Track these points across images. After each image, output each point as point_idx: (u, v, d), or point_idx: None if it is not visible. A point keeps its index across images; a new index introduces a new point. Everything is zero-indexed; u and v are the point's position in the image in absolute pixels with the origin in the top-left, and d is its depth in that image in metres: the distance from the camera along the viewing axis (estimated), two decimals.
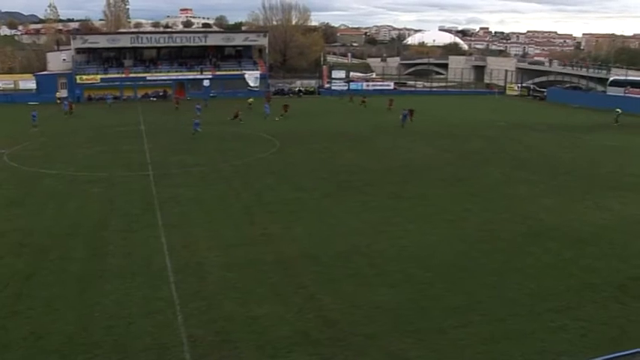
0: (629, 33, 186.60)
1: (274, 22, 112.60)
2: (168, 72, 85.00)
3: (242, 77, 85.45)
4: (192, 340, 15.63)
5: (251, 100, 70.48)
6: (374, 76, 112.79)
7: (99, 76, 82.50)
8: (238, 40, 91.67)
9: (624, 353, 11.13)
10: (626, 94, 78.77)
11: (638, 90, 78.60)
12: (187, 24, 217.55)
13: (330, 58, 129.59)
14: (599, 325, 16.93)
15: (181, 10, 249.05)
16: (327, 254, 22.11)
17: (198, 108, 60.47)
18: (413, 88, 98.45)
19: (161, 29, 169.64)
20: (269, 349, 15.34)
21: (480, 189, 32.75)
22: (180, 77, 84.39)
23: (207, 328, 16.32)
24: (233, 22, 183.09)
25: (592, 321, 17.16)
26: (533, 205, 29.66)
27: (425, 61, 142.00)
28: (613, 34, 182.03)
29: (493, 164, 39.50)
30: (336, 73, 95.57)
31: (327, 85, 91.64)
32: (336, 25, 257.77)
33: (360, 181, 34.09)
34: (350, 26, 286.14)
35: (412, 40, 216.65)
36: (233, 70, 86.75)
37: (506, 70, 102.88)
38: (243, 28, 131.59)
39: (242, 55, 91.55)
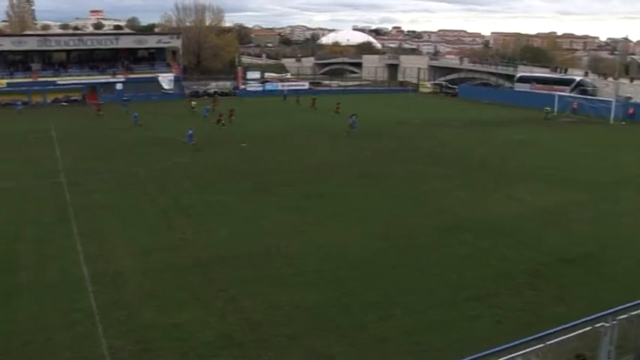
0: (533, 32, 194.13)
1: (187, 24, 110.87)
2: (79, 76, 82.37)
3: (156, 80, 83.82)
4: (113, 352, 15.24)
5: (194, 102, 68.59)
6: (289, 76, 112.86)
7: (4, 81, 79.18)
8: (151, 42, 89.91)
9: (535, 337, 11.56)
10: (532, 90, 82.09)
11: (542, 86, 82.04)
12: (98, 26, 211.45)
13: (245, 59, 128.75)
14: (515, 311, 17.60)
15: (91, 11, 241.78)
16: (246, 256, 22.03)
17: (135, 116, 57.45)
18: (328, 88, 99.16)
19: (70, 31, 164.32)
20: (193, 355, 15.14)
21: (395, 185, 33.37)
22: (91, 81, 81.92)
23: (127, 337, 15.95)
24: (145, 24, 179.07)
25: (508, 308, 17.81)
26: (448, 200, 30.46)
27: (339, 60, 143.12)
28: (518, 33, 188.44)
29: (408, 161, 40.31)
30: (251, 74, 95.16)
31: (242, 87, 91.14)
32: (251, 26, 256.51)
33: (278, 181, 34.12)
34: (264, 27, 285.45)
35: (326, 39, 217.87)
36: (146, 73, 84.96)
37: (419, 68, 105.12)
38: (156, 29, 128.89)
39: (155, 57, 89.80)
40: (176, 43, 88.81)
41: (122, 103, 68.24)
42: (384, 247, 23.17)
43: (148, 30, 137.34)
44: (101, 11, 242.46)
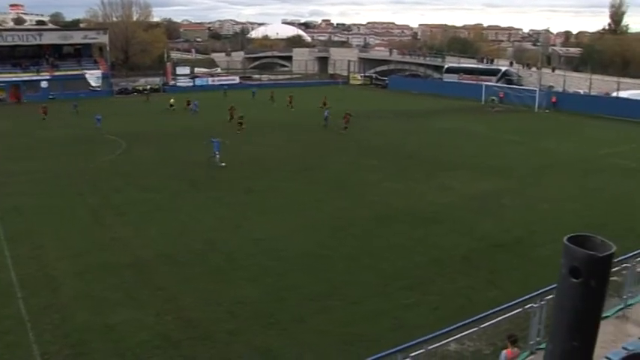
0: (459, 24, 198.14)
1: (114, 19, 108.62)
2: (1, 73, 79.62)
3: (83, 77, 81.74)
4: (47, 358, 14.89)
5: (172, 100, 66.26)
6: (219, 71, 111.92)
7: None
8: (77, 38, 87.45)
9: (468, 321, 11.91)
10: (460, 80, 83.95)
11: (469, 76, 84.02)
12: (18, 21, 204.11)
13: (174, 55, 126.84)
14: (449, 297, 18.05)
15: (11, 5, 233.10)
16: (184, 253, 21.85)
17: (99, 119, 51.97)
18: (259, 82, 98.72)
19: None
20: (129, 356, 14.95)
21: (329, 178, 33.62)
22: (14, 79, 79.23)
23: (62, 342, 15.60)
24: (70, 20, 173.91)
25: (442, 294, 18.26)
26: (381, 190, 30.90)
27: (269, 54, 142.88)
28: (445, 25, 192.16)
29: (342, 153, 40.64)
30: (180, 70, 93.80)
31: (172, 82, 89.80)
32: (179, 21, 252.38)
33: (212, 177, 33.91)
34: (193, 21, 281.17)
35: (256, 33, 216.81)
36: (73, 70, 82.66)
37: (349, 61, 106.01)
38: (82, 25, 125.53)
39: (82, 53, 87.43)
40: (103, 38, 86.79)
41: (73, 104, 64.18)
42: (321, 240, 23.36)
43: (73, 25, 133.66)
44: (22, 6, 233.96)
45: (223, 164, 35.89)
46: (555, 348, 2.29)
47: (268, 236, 23.74)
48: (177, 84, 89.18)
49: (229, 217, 26.41)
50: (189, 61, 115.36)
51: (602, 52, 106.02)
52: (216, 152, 36.55)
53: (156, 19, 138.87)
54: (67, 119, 57.21)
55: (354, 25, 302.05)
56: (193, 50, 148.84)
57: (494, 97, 69.09)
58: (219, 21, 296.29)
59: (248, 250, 22.19)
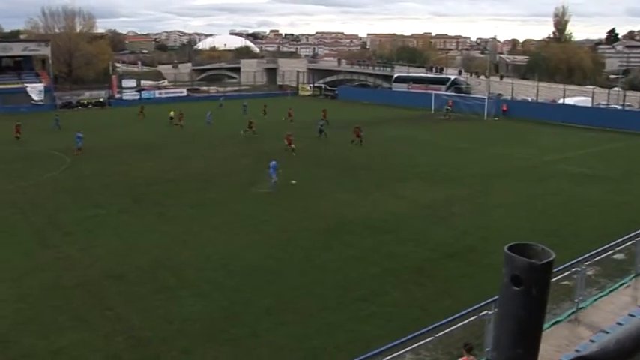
0: (408, 33, 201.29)
1: (57, 30, 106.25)
2: None
3: (24, 91, 79.67)
4: None
5: (172, 112, 62.00)
6: (166, 83, 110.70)
7: None
8: (17, 49, 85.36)
9: (423, 330, 11.84)
10: (410, 90, 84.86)
11: (419, 85, 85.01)
12: None
13: (120, 67, 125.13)
14: (404, 307, 17.98)
15: None
16: (132, 271, 21.27)
17: (80, 137, 45.39)
18: (206, 94, 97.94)
19: None
20: None
21: (279, 190, 33.24)
22: None
23: None
24: (9, 31, 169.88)
25: (397, 304, 18.17)
26: (332, 201, 30.78)
27: (217, 65, 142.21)
28: (394, 34, 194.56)
29: (292, 163, 40.37)
30: (126, 82, 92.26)
31: (117, 95, 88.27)
32: (124, 32, 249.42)
33: (158, 192, 33.22)
34: (139, 33, 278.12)
35: (203, 45, 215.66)
36: (13, 84, 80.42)
37: (298, 71, 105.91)
38: (22, 36, 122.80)
39: (22, 66, 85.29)
40: (45, 50, 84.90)
41: (55, 122, 60.78)
42: (272, 253, 23.06)
43: (13, 37, 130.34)
44: None
45: (270, 188, 32.82)
46: (499, 356, 2.24)
47: (217, 251, 23.32)
48: (124, 97, 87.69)
49: (177, 232, 25.87)
50: (135, 74, 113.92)
51: (548, 60, 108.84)
52: (273, 176, 33.23)
53: (100, 30, 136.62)
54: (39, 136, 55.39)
55: (303, 35, 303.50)
56: (139, 62, 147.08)
57: (448, 107, 69.55)
58: (166, 32, 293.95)
59: (197, 266, 21.76)
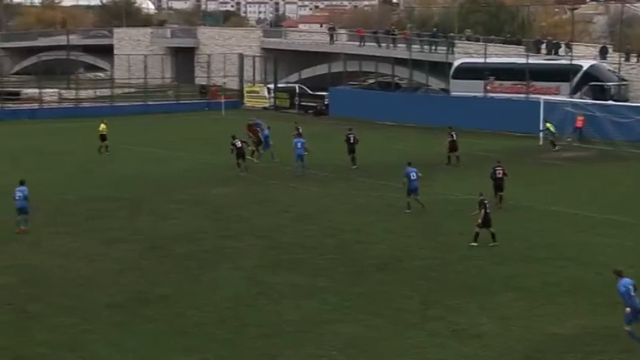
0: None
1: None
2: None
3: None
4: None
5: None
6: None
7: None
8: None
9: None
10: (489, 93, 48.33)
11: (510, 84, 46.27)
12: None
13: None
14: None
15: None
16: None
17: None
18: (28, 104, 56.52)
19: None
20: None
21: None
22: None
23: None
24: None
25: None
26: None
27: (58, 42, 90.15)
28: None
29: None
30: None
31: None
32: None
33: None
34: None
35: None
36: None
37: (242, 56, 65.94)
38: None
39: None
40: None
41: None
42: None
43: None
44: None
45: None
46: None
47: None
48: None
49: None
50: None
51: None
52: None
53: None
54: None
55: None
56: None
57: (577, 128, 39.33)
58: None
59: None
